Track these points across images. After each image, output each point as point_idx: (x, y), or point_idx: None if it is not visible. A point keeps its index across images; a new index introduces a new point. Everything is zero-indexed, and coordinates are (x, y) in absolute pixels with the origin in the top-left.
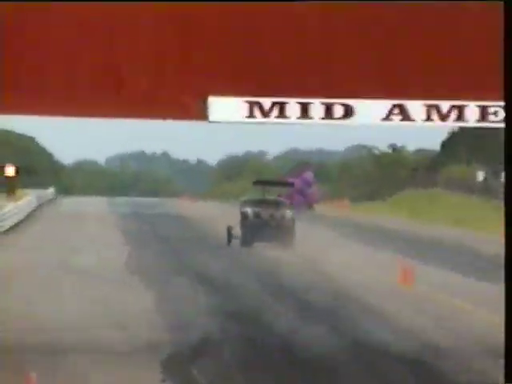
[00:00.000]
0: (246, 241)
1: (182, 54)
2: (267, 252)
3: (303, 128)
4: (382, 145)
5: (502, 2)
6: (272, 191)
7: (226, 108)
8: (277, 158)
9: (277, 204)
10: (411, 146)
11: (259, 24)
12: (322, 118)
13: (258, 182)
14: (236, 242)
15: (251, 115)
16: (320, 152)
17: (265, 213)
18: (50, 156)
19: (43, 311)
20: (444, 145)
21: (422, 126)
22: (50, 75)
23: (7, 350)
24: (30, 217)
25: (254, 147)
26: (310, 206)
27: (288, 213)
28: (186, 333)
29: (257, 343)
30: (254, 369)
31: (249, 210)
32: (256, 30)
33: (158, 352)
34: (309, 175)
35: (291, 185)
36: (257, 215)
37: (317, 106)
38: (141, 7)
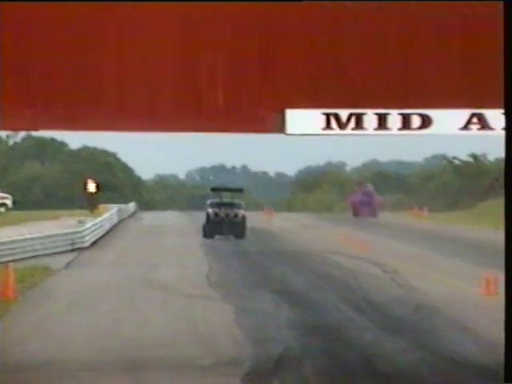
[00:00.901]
0: (207, 234)
1: (259, 68)
2: (348, 264)
3: (382, 139)
4: (460, 154)
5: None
6: (236, 195)
7: (303, 120)
8: (355, 169)
9: (231, 205)
10: (491, 156)
11: (337, 36)
12: (400, 129)
13: (214, 189)
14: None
15: (328, 127)
16: (399, 163)
17: (222, 212)
18: (130, 171)
19: (127, 328)
20: None
21: (501, 135)
22: (130, 91)
23: (92, 367)
24: (111, 232)
25: (332, 158)
26: (374, 213)
27: (240, 212)
28: (267, 346)
29: (338, 356)
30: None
31: (210, 211)
32: (333, 42)
33: (239, 366)
34: (369, 188)
35: (240, 190)
36: (215, 214)
37: (394, 117)
38: (220, 23)
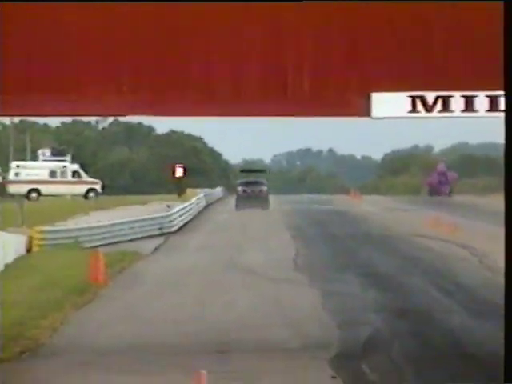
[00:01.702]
0: (238, 207)
1: (345, 51)
2: (436, 247)
3: (470, 121)
4: None
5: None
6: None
7: (389, 103)
8: (444, 152)
9: (256, 183)
10: None
11: (420, 18)
12: (488, 111)
13: (243, 170)
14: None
15: (414, 110)
16: (488, 145)
17: (249, 189)
18: (218, 156)
19: (214, 311)
20: None
21: None
22: (216, 76)
23: (179, 350)
24: (198, 216)
25: (419, 142)
26: (451, 189)
27: (264, 188)
28: (354, 329)
29: (426, 339)
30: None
31: (239, 188)
32: (419, 25)
33: (327, 349)
34: (441, 167)
35: (263, 171)
36: (244, 191)
37: (481, 99)
38: (307, 6)
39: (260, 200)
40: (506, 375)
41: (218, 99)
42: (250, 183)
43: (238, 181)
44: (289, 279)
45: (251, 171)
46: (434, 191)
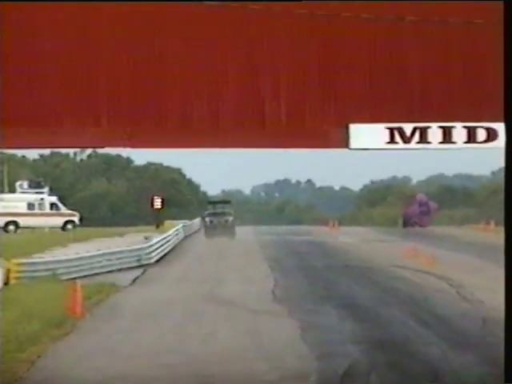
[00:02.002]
0: (207, 235)
1: (322, 83)
2: (414, 278)
3: (447, 152)
4: None
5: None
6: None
7: (367, 135)
8: (421, 183)
9: (223, 214)
10: None
11: (399, 50)
12: (465, 142)
13: (210, 202)
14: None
15: (392, 141)
16: (465, 177)
17: (215, 219)
18: (196, 187)
19: (193, 343)
20: None
21: None
22: (193, 108)
23: (159, 383)
24: (177, 248)
25: (397, 173)
26: (430, 219)
27: (229, 218)
28: (333, 361)
29: (404, 371)
30: None
31: (207, 219)
32: (395, 56)
33: (305, 380)
34: (421, 197)
35: (228, 202)
36: (211, 221)
37: (459, 130)
38: (281, 38)
39: (226, 229)
40: (506, 375)
41: (196, 131)
42: (217, 214)
43: (206, 212)
44: (267, 311)
45: (218, 202)
46: (410, 222)
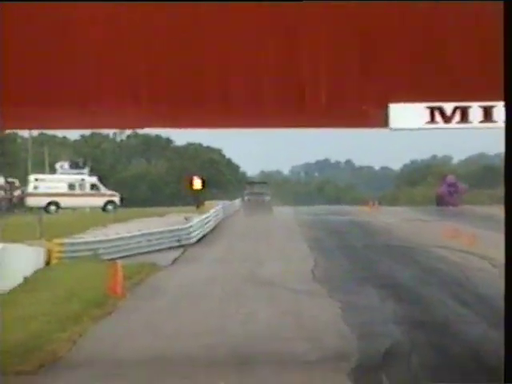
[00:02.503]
0: (245, 213)
1: (362, 62)
2: (455, 258)
3: (488, 132)
4: None
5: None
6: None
7: (406, 114)
8: (461, 163)
9: (261, 194)
10: None
11: (438, 26)
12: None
13: (248, 183)
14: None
15: (433, 121)
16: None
17: (253, 198)
18: (235, 168)
19: (233, 324)
20: None
21: None
22: (233, 88)
23: (198, 362)
24: (217, 228)
25: (438, 152)
26: (460, 201)
27: (266, 198)
28: (374, 341)
29: (445, 350)
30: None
31: (246, 198)
32: (435, 33)
33: (346, 360)
34: (450, 178)
35: (265, 183)
36: (249, 200)
37: (500, 109)
38: (321, 19)
39: (263, 207)
40: (506, 375)
41: (236, 111)
42: (255, 193)
43: (245, 191)
44: (307, 291)
45: (255, 183)
46: (443, 202)
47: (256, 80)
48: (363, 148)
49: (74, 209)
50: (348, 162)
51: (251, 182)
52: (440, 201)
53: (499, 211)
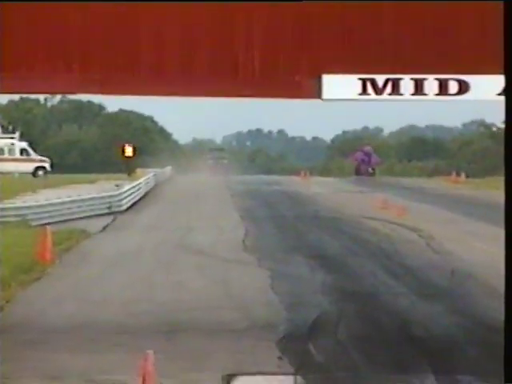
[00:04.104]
0: (212, 174)
1: (296, 33)
2: (384, 229)
3: (420, 104)
4: (498, 120)
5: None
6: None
7: (339, 86)
8: (393, 134)
9: (221, 158)
10: None
11: (373, 1)
12: (437, 94)
13: (210, 149)
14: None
15: (364, 92)
16: (437, 128)
17: (214, 162)
18: (168, 135)
19: (162, 292)
20: None
21: None
22: (166, 55)
23: (127, 330)
24: (148, 196)
25: (370, 123)
26: (372, 169)
27: (225, 161)
28: (302, 311)
29: (373, 321)
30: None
31: (209, 161)
32: (369, 7)
33: (274, 329)
34: (367, 148)
35: (222, 149)
36: (212, 163)
37: (431, 82)
38: None
39: (224, 168)
40: (506, 375)
41: (168, 78)
42: (216, 158)
43: (208, 156)
44: (237, 259)
45: (215, 150)
46: (359, 171)
47: (189, 48)
48: (296, 118)
49: (2, 173)
50: (280, 131)
51: (212, 149)
52: (357, 169)
53: (429, 183)
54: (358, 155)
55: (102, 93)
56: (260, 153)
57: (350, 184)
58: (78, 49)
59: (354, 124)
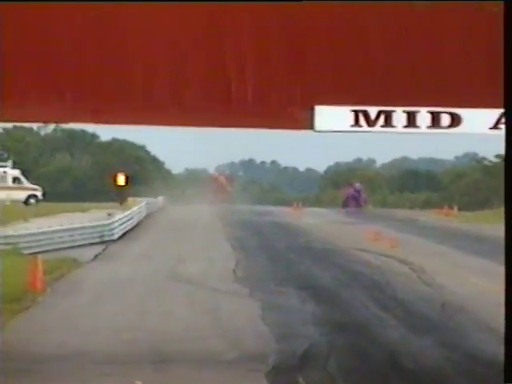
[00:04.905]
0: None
1: (289, 64)
2: (376, 261)
3: (412, 136)
4: (492, 153)
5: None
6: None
7: (332, 117)
8: (386, 166)
9: None
10: None
11: (364, 31)
12: (429, 127)
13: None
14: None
15: (357, 124)
16: (429, 161)
17: None
18: (160, 165)
19: (152, 321)
20: None
21: None
22: (158, 85)
23: (116, 359)
24: (139, 225)
25: (362, 155)
26: (360, 206)
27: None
28: (292, 342)
29: (363, 353)
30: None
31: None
32: (362, 38)
33: (264, 361)
34: (357, 185)
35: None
36: None
37: (423, 115)
38: (248, 20)
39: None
40: (506, 375)
41: (160, 108)
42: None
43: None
44: (228, 291)
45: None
46: (346, 204)
47: (182, 78)
48: (289, 149)
49: None
50: (273, 162)
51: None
52: (345, 203)
53: (421, 216)
54: (350, 191)
55: (94, 122)
56: (253, 183)
57: (342, 215)
58: (70, 78)
59: (346, 155)
